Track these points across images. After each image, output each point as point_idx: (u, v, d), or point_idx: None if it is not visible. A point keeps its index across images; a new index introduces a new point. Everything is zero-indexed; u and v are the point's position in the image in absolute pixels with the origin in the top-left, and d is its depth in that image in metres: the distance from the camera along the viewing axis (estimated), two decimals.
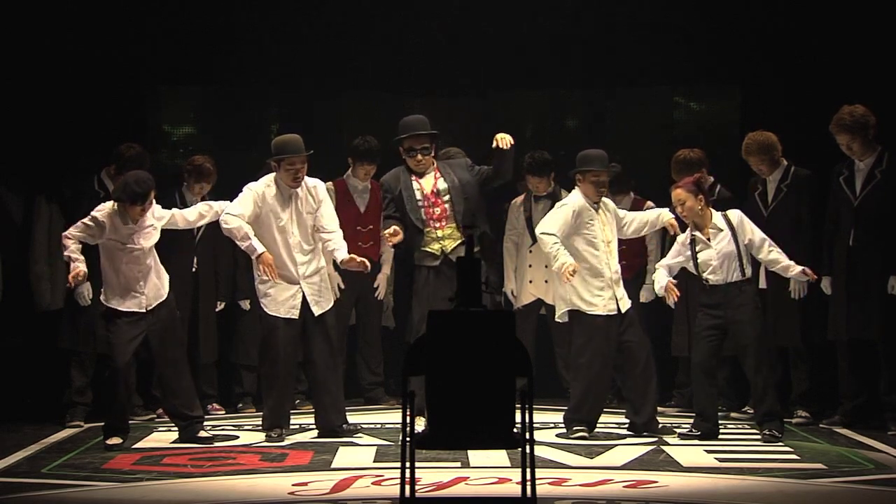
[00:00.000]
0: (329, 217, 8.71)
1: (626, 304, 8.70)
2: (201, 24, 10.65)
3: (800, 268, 8.52)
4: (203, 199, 9.64)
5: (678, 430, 8.68)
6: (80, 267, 8.19)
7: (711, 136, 11.01)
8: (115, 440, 8.26)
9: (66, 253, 8.26)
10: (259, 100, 11.52)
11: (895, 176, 8.83)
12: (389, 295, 10.41)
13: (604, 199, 8.75)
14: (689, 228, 8.65)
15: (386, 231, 8.90)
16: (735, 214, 8.59)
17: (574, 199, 8.71)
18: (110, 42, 10.31)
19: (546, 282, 10.05)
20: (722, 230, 8.51)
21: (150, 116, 11.05)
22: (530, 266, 10.07)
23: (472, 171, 9.08)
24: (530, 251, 10.07)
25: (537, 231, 8.76)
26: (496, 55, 11.07)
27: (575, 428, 8.61)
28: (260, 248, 8.39)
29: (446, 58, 11.03)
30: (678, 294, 8.65)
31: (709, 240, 8.52)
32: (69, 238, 8.26)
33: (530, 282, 10.09)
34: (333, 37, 11.01)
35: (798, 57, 10.32)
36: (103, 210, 8.29)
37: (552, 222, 8.63)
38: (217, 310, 9.85)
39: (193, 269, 9.37)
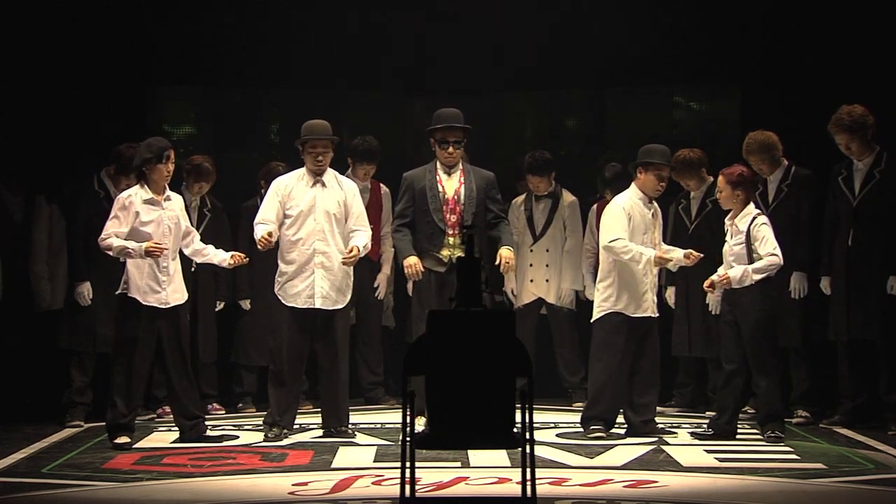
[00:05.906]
0: (360, 216, 8.70)
1: (655, 309, 8.67)
2: (202, 25, 10.66)
3: (718, 279, 8.41)
4: (202, 199, 9.68)
5: (689, 431, 8.70)
6: (144, 244, 8.12)
7: (711, 136, 11.02)
8: (124, 439, 8.23)
9: (115, 247, 8.13)
10: (259, 100, 11.53)
11: (894, 176, 8.84)
12: (389, 295, 10.41)
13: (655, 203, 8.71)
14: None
15: (410, 268, 8.78)
16: (757, 221, 8.40)
17: (623, 198, 8.62)
18: (110, 42, 10.31)
19: (547, 281, 10.06)
20: (742, 232, 8.43)
21: (150, 116, 11.05)
22: (531, 265, 10.08)
23: (490, 190, 8.95)
24: (531, 251, 10.08)
25: (601, 246, 8.60)
26: (496, 55, 11.06)
27: (592, 427, 8.57)
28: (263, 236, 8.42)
29: (446, 58, 11.03)
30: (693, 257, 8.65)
31: (731, 237, 8.51)
32: (106, 238, 8.16)
33: (531, 281, 10.09)
34: (333, 37, 11.01)
35: (798, 57, 10.32)
36: (126, 195, 8.27)
37: (611, 228, 8.51)
38: (217, 310, 9.86)
39: (192, 269, 9.36)
